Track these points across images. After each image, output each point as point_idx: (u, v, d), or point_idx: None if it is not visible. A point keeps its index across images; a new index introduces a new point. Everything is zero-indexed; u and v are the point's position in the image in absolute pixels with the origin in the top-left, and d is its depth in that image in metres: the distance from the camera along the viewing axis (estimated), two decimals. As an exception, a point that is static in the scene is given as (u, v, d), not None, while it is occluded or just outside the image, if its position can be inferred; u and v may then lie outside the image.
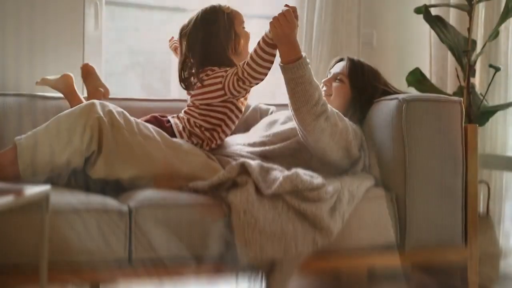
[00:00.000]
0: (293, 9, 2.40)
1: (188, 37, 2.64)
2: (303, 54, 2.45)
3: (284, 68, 2.44)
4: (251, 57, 2.48)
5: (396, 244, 2.58)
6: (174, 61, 3.42)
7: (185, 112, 2.65)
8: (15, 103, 2.73)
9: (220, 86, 2.56)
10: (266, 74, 2.50)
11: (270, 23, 2.40)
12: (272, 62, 2.47)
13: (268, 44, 2.45)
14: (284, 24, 2.37)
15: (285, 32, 2.38)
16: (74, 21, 3.07)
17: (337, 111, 2.62)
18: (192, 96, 2.64)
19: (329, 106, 2.56)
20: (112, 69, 3.41)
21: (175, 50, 3.13)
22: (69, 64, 3.07)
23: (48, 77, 2.76)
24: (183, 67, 2.66)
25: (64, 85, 2.73)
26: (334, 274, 3.23)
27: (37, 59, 3.01)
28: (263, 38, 2.46)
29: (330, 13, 3.38)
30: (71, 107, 2.41)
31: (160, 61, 3.45)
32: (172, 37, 3.17)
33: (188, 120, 2.60)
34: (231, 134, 2.71)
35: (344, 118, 2.64)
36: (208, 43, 2.60)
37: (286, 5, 2.41)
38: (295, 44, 2.42)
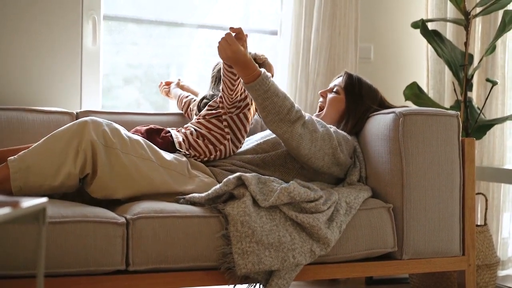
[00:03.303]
0: (236, 31, 2.44)
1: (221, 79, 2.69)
2: (261, 70, 2.47)
3: (248, 87, 2.47)
4: (222, 80, 2.55)
5: (394, 254, 2.59)
6: (172, 75, 3.44)
7: (191, 123, 2.68)
8: (13, 117, 2.73)
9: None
10: (234, 89, 2.55)
11: (217, 47, 2.44)
12: (233, 79, 2.52)
13: (227, 66, 2.50)
14: (226, 48, 2.41)
15: (228, 55, 2.41)
16: (73, 36, 3.08)
17: (318, 119, 2.65)
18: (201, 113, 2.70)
19: (307, 114, 2.59)
20: (111, 83, 3.42)
21: (166, 94, 3.18)
22: (67, 79, 3.08)
23: None
24: (207, 102, 2.73)
25: None
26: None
27: (36, 74, 3.02)
28: (223, 63, 2.52)
29: (327, 28, 3.39)
30: None
31: (158, 74, 3.46)
32: (161, 82, 3.20)
33: (191, 132, 2.61)
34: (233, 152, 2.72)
35: (328, 125, 2.66)
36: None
37: (230, 28, 2.45)
38: (247, 63, 2.43)
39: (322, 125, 2.62)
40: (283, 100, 2.49)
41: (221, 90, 2.59)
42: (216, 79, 2.76)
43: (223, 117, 2.64)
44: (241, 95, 2.62)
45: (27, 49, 3.01)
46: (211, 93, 2.76)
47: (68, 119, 2.82)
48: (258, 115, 2.68)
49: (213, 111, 2.65)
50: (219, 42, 2.42)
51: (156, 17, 3.44)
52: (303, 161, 2.59)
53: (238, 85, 2.55)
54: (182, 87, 3.15)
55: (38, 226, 1.63)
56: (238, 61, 2.42)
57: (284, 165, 2.65)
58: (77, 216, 2.13)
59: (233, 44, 2.40)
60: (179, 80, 3.19)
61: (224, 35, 2.42)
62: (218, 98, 2.64)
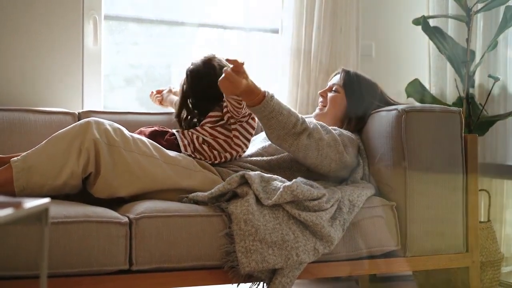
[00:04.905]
0: (233, 63, 2.37)
1: (189, 91, 2.67)
2: (265, 91, 2.44)
3: (252, 110, 2.47)
4: (226, 100, 2.51)
5: (397, 252, 2.58)
6: (173, 74, 3.44)
7: (195, 129, 2.63)
8: (15, 118, 2.73)
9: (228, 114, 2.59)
10: (241, 107, 2.51)
11: (220, 86, 2.41)
12: (237, 100, 2.49)
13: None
14: (229, 86, 2.39)
15: (233, 92, 2.41)
16: (73, 36, 3.08)
17: (322, 124, 2.64)
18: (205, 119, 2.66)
19: (312, 122, 2.57)
20: (112, 83, 3.42)
21: (160, 103, 3.15)
22: (68, 80, 3.07)
23: None
24: (188, 116, 2.69)
25: None
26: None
27: (37, 75, 3.02)
28: None
29: (328, 25, 3.38)
30: None
31: (159, 74, 3.46)
32: (152, 92, 3.17)
33: (197, 137, 2.59)
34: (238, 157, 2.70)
35: (332, 130, 2.64)
36: (208, 92, 2.62)
37: (227, 60, 2.41)
38: (251, 90, 2.41)
39: (327, 130, 2.61)
40: (287, 117, 2.47)
41: (229, 107, 2.55)
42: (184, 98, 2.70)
43: (233, 126, 2.61)
44: None
45: (28, 50, 3.01)
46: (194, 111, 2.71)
47: (70, 119, 2.82)
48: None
49: (218, 120, 2.62)
50: (221, 81, 2.39)
51: (156, 16, 3.44)
52: (311, 168, 2.60)
53: (243, 102, 2.52)
54: (175, 94, 3.10)
55: (41, 227, 1.62)
56: (243, 91, 2.41)
57: (290, 168, 2.64)
58: (79, 216, 2.13)
59: (235, 82, 2.37)
60: (170, 87, 3.16)
61: (224, 74, 2.37)
62: (225, 110, 2.59)
